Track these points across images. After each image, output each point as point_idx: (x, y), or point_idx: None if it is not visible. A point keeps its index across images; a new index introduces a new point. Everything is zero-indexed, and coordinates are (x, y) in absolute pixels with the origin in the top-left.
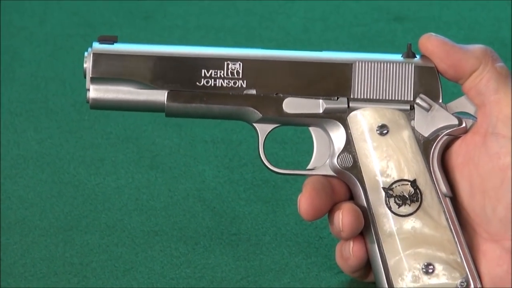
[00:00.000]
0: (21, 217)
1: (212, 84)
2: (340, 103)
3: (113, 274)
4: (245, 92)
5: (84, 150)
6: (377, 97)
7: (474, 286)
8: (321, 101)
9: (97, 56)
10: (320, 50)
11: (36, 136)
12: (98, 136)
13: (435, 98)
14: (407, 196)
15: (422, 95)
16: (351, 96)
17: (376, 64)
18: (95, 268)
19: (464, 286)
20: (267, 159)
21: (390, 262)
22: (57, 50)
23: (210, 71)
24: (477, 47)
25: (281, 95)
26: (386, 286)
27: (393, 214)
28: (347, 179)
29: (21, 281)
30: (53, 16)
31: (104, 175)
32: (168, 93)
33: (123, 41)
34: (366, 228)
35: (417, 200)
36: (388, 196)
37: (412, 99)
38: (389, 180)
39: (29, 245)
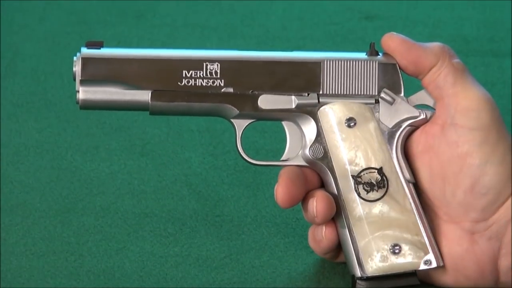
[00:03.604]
0: (22, 200)
1: (193, 84)
2: (311, 99)
3: (107, 252)
4: (223, 90)
5: (81, 139)
6: (345, 92)
7: (437, 264)
8: (293, 97)
9: (85, 60)
10: (292, 50)
11: (36, 125)
12: (93, 125)
13: (397, 92)
14: (375, 183)
15: (385, 90)
16: (321, 92)
17: (342, 62)
18: (90, 247)
19: (428, 264)
20: (244, 151)
21: (360, 244)
22: (56, 46)
23: (190, 71)
24: (435, 45)
25: (256, 93)
26: (357, 266)
27: (362, 200)
28: (319, 169)
29: (22, 259)
30: (52, 14)
31: (99, 162)
32: (152, 93)
33: (116, 38)
34: (337, 213)
35: (383, 186)
36: (357, 183)
37: (376, 94)
38: (358, 169)
39: (30, 226)
